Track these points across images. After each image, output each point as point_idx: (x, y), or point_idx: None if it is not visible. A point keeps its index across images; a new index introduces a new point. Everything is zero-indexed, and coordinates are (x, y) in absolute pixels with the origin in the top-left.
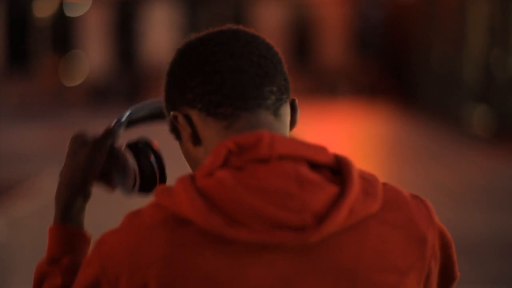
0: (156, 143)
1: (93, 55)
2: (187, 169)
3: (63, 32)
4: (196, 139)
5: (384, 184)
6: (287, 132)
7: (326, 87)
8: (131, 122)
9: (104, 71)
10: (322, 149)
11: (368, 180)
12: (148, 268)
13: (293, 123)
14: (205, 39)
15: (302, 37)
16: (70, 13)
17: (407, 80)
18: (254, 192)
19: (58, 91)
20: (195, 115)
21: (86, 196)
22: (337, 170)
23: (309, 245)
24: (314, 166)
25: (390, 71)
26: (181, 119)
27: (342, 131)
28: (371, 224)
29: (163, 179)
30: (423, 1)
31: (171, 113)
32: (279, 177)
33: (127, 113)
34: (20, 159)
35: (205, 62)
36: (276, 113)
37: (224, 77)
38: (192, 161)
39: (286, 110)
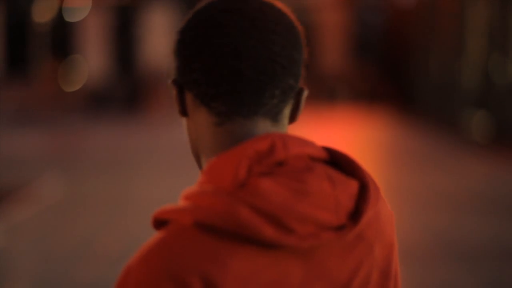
0: None
1: (92, 60)
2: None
3: (62, 37)
4: (184, 113)
5: None
6: (284, 131)
7: (325, 92)
8: None
9: (103, 76)
10: (313, 144)
11: (366, 172)
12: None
13: (293, 117)
14: (222, 17)
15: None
16: (69, 18)
17: (406, 85)
18: (298, 195)
19: (57, 96)
20: (189, 97)
21: None
22: (331, 162)
23: (343, 243)
24: (314, 161)
25: (389, 77)
26: (174, 92)
27: (341, 136)
28: (377, 221)
29: None
30: (422, 7)
31: (169, 81)
32: (315, 177)
33: None
34: (19, 165)
35: (211, 47)
36: (275, 117)
37: (224, 74)
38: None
39: (287, 111)
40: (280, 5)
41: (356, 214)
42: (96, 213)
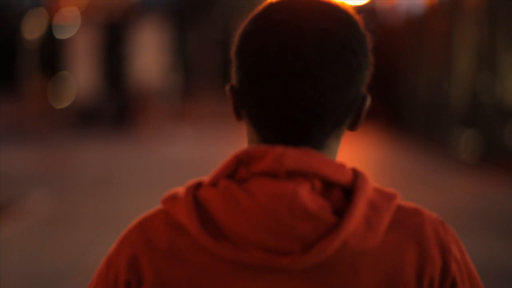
0: None
1: (81, 77)
2: None
3: (52, 54)
4: (239, 118)
5: (400, 208)
6: (333, 154)
7: None
8: None
9: (92, 93)
10: (340, 167)
11: (376, 206)
12: (150, 259)
13: (353, 127)
14: (272, 58)
15: None
16: (58, 35)
17: (394, 104)
18: (244, 211)
19: (46, 113)
20: (243, 111)
21: None
22: (351, 190)
23: (295, 272)
24: (329, 184)
25: (378, 96)
26: (230, 98)
27: None
28: (362, 262)
29: None
30: (411, 26)
31: (227, 87)
32: (273, 200)
33: None
34: (6, 181)
35: (257, 89)
36: (322, 144)
37: (269, 115)
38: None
39: (341, 129)
40: (345, 22)
41: (311, 246)
42: (85, 230)
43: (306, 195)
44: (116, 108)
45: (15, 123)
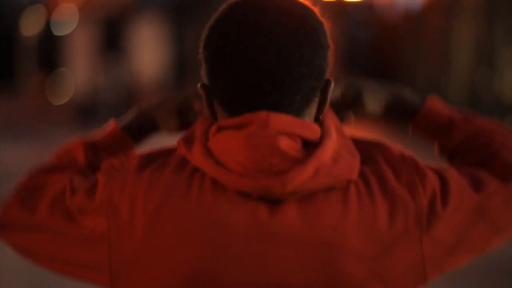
0: None
1: (79, 74)
2: None
3: (50, 51)
4: (214, 117)
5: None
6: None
7: None
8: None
9: (90, 90)
10: (312, 127)
11: (341, 155)
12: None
13: (320, 110)
14: (238, 33)
15: None
16: (56, 31)
17: None
18: (233, 144)
19: (45, 109)
20: (215, 101)
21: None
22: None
23: (276, 200)
24: (307, 143)
25: None
26: (203, 96)
27: None
28: (332, 195)
29: None
30: (409, 22)
31: (199, 84)
32: (256, 144)
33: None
34: (5, 178)
35: (230, 64)
36: (297, 115)
37: (244, 89)
38: None
39: (312, 108)
40: (301, 6)
41: (285, 172)
42: None
43: (287, 145)
44: (115, 104)
45: (13, 119)
